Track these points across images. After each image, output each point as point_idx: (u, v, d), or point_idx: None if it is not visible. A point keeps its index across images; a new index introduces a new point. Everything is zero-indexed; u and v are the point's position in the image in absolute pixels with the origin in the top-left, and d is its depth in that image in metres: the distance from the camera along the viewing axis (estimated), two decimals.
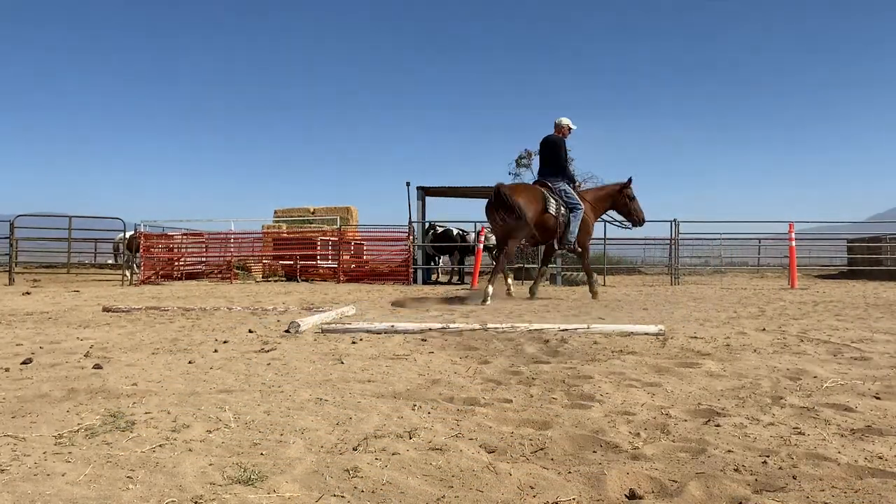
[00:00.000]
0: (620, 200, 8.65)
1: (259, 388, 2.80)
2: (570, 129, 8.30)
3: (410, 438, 2.07)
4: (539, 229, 7.73)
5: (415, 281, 13.61)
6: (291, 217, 18.84)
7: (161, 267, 14.66)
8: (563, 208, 7.85)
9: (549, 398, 2.64)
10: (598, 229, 11.03)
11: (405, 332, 4.64)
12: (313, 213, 18.89)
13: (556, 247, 8.10)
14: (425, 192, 14.88)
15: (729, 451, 1.92)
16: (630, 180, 8.65)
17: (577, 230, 7.98)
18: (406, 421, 2.29)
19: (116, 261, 19.19)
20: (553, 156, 8.09)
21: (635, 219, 8.74)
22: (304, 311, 6.51)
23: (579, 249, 8.26)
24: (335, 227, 15.98)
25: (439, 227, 14.89)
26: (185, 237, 16.31)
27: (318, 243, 15.12)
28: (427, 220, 14.92)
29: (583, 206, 8.06)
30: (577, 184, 8.42)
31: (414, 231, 14.00)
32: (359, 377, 3.06)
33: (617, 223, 9.05)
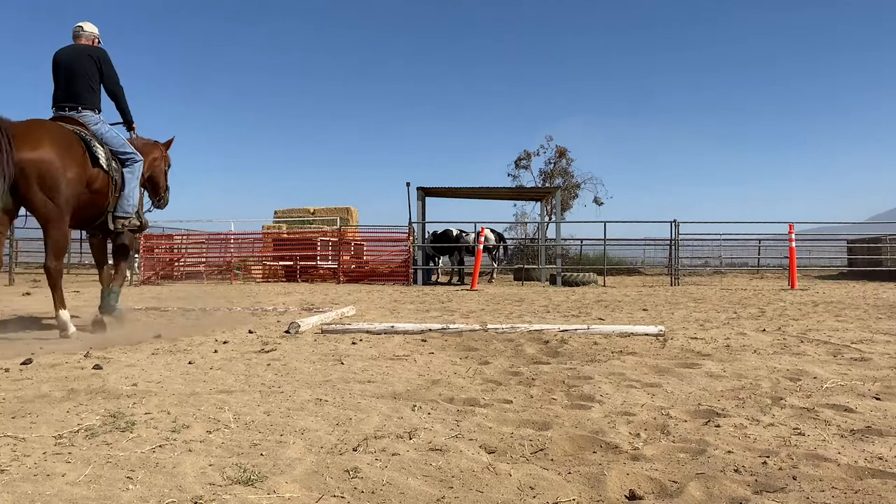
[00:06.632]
0: (161, 166, 5.77)
1: (259, 389, 2.80)
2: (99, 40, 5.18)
3: (410, 439, 2.07)
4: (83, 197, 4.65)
5: (415, 281, 13.61)
6: (291, 217, 18.81)
7: (161, 267, 14.67)
8: (114, 161, 4.90)
9: (549, 399, 2.63)
10: (598, 228, 10.83)
11: (405, 332, 4.64)
12: (313, 213, 18.86)
13: (110, 226, 5.06)
14: (425, 192, 14.91)
15: (729, 451, 1.92)
16: (173, 140, 5.93)
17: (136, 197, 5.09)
18: (406, 421, 2.28)
19: None
20: (86, 74, 4.89)
21: (164, 196, 5.91)
22: (304, 311, 6.51)
23: (137, 225, 5.23)
24: (335, 227, 15.99)
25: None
26: (185, 237, 16.32)
27: (318, 244, 15.12)
28: (427, 220, 14.94)
29: (141, 159, 5.15)
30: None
31: (414, 231, 14.00)
32: (359, 378, 3.06)
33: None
